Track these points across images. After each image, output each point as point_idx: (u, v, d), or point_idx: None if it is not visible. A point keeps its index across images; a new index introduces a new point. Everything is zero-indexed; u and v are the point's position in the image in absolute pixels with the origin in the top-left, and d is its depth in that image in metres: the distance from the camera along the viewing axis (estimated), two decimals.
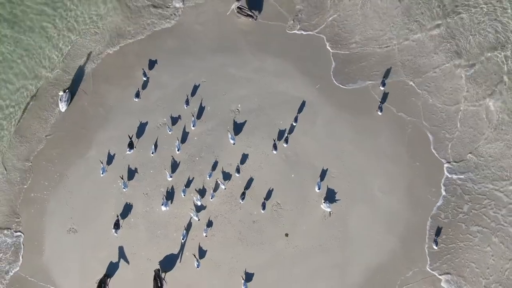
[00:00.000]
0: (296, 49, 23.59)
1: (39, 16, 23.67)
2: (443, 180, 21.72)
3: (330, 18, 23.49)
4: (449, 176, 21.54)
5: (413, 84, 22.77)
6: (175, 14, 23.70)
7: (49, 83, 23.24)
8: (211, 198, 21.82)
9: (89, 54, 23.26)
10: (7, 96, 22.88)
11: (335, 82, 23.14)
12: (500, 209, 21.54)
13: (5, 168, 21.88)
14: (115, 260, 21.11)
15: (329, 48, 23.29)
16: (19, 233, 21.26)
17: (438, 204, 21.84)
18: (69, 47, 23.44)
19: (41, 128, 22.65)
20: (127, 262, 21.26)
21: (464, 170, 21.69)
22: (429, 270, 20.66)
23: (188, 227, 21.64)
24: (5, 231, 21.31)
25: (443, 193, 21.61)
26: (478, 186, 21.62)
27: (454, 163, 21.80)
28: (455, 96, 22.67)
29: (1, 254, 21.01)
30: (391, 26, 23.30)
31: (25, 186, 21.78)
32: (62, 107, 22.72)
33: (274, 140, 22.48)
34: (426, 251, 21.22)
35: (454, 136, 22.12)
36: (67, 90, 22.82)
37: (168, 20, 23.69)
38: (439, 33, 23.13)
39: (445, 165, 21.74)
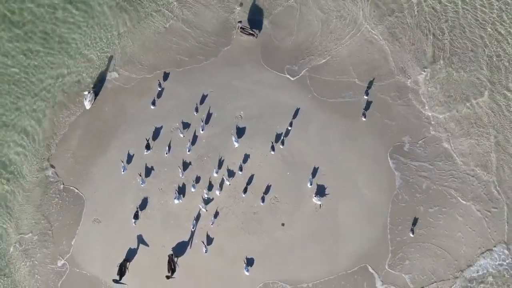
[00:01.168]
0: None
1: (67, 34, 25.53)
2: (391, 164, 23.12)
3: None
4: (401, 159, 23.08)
5: (390, 99, 24.27)
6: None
7: (73, 84, 24.87)
8: (218, 193, 22.97)
9: (107, 69, 24.97)
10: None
11: (318, 96, 24.27)
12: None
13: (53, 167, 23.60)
14: (134, 246, 22.35)
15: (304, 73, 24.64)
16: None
17: (397, 185, 22.99)
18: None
19: (72, 134, 24.25)
20: (145, 248, 22.48)
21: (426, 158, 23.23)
22: (388, 269, 21.64)
23: (198, 217, 22.76)
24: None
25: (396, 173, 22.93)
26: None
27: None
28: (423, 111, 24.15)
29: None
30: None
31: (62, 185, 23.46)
32: (87, 105, 24.11)
33: (272, 143, 23.54)
34: (389, 245, 22.13)
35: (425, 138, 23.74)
36: (91, 91, 24.24)
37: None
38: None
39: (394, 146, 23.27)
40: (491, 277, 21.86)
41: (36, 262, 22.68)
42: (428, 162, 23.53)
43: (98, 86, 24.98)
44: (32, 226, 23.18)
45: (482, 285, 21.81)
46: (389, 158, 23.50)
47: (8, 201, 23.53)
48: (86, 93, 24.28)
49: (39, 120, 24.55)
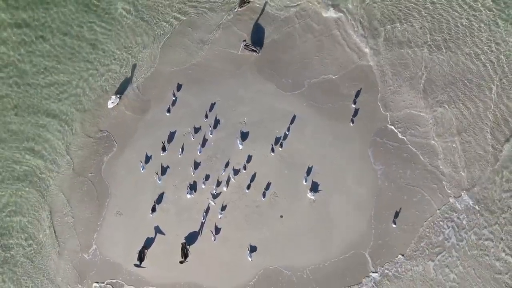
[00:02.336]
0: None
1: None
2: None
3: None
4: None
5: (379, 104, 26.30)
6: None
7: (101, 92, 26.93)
8: (225, 188, 24.68)
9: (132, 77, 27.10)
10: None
11: (313, 103, 26.07)
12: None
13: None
14: (151, 235, 24.23)
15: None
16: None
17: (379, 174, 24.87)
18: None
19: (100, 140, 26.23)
20: (161, 237, 24.24)
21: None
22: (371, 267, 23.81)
23: (207, 210, 24.48)
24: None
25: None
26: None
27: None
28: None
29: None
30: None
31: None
32: (109, 104, 26.17)
33: (272, 145, 25.20)
34: (372, 234, 23.98)
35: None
36: (117, 96, 26.28)
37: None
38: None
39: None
40: (454, 250, 24.28)
41: (65, 249, 24.92)
42: (410, 144, 25.51)
43: (121, 92, 27.08)
44: (61, 218, 25.40)
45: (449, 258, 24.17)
46: (369, 150, 25.40)
47: (43, 187, 25.80)
48: (113, 96, 26.32)
49: (71, 122, 26.71)
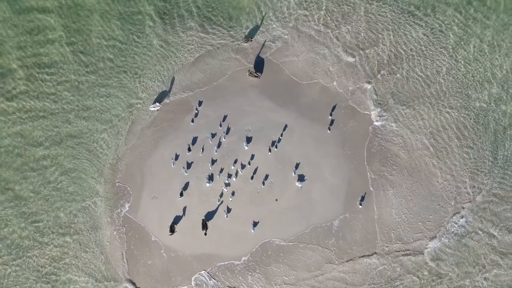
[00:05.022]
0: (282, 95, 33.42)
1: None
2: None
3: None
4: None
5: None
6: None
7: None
8: (234, 179, 30.91)
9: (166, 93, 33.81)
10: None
11: (300, 115, 32.17)
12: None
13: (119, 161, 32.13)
14: (179, 214, 30.66)
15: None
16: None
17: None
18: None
19: (140, 141, 32.75)
20: (187, 214, 30.52)
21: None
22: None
23: (221, 195, 31.05)
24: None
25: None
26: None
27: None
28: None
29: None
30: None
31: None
32: (151, 108, 31.94)
33: (269, 146, 31.58)
34: (345, 212, 29.98)
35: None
36: (157, 103, 32.13)
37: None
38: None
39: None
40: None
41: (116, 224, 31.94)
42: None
43: (159, 101, 33.44)
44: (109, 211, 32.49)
45: None
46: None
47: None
48: (157, 103, 32.33)
49: (118, 131, 33.44)
